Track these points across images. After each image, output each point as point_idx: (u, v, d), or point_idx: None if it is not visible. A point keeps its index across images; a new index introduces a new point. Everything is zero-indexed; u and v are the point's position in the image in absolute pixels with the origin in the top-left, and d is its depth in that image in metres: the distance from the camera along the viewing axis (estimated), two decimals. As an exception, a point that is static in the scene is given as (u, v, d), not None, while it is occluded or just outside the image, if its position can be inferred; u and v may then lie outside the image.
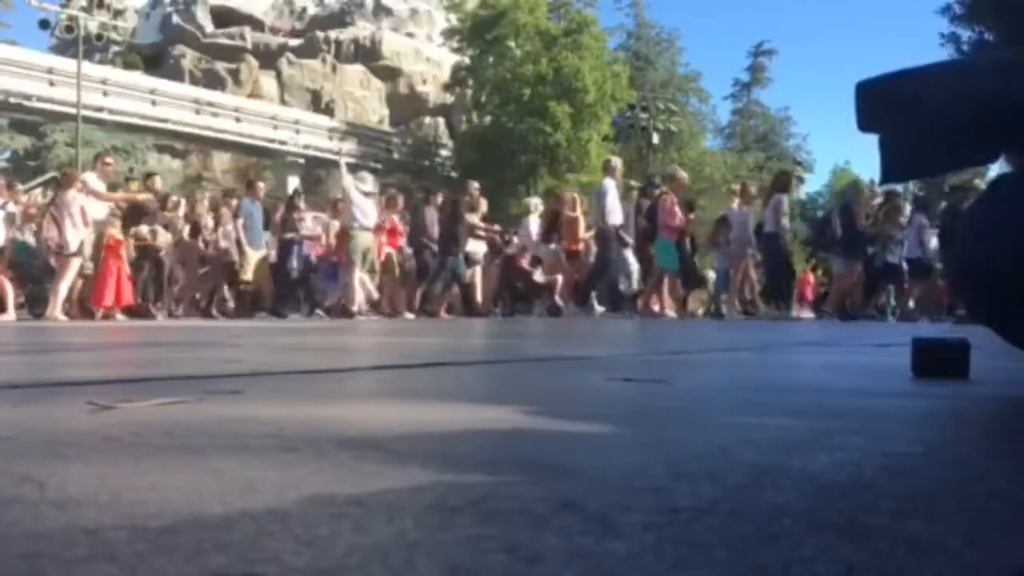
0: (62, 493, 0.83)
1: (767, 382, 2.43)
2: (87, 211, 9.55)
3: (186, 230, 11.69)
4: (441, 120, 40.93)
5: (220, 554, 0.62)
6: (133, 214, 11.05)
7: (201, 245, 11.81)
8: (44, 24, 23.42)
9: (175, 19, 43.33)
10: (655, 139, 34.50)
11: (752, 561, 0.63)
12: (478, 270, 13.06)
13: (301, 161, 33.74)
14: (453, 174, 33.97)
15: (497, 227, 13.73)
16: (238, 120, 32.26)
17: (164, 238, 11.22)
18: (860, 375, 2.76)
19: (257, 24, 44.44)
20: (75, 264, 9.45)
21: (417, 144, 36.91)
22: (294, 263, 12.41)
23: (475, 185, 13.67)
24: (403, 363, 2.87)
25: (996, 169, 2.38)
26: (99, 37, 22.88)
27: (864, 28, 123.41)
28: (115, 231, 10.29)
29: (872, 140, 2.07)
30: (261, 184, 13.40)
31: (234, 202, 12.21)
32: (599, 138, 32.98)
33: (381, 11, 45.58)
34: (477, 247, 12.92)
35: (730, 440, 1.23)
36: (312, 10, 46.00)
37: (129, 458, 1.05)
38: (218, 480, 0.90)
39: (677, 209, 11.69)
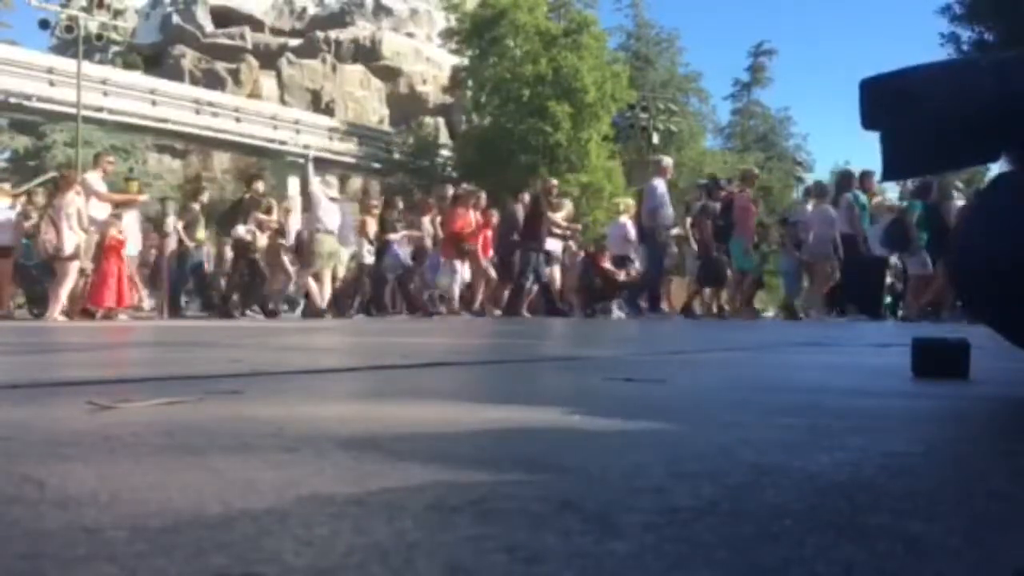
0: (62, 493, 0.83)
1: (767, 382, 2.43)
2: (84, 214, 9.53)
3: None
4: (441, 120, 40.92)
5: (220, 554, 0.62)
6: (231, 216, 11.31)
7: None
8: (44, 24, 23.39)
9: (175, 19, 43.31)
10: (655, 139, 34.48)
11: (752, 561, 0.63)
12: (556, 268, 13.01)
13: (301, 161, 33.71)
14: (453, 174, 33.95)
15: (578, 225, 13.48)
16: (238, 120, 32.22)
17: (262, 241, 11.32)
18: (860, 375, 2.76)
19: (257, 24, 44.42)
20: (74, 267, 9.44)
21: (417, 144, 36.87)
22: (395, 261, 12.52)
23: (554, 181, 13.52)
24: (403, 363, 2.87)
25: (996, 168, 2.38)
26: (99, 37, 22.85)
27: (864, 28, 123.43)
28: (116, 231, 10.31)
29: (873, 139, 2.07)
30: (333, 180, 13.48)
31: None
32: (599, 138, 32.96)
33: (381, 11, 45.57)
34: (555, 245, 12.88)
35: (730, 440, 1.23)
36: (312, 10, 45.98)
37: (129, 458, 1.05)
38: (218, 480, 0.90)
39: (752, 207, 11.51)
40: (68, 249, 9.33)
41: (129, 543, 0.65)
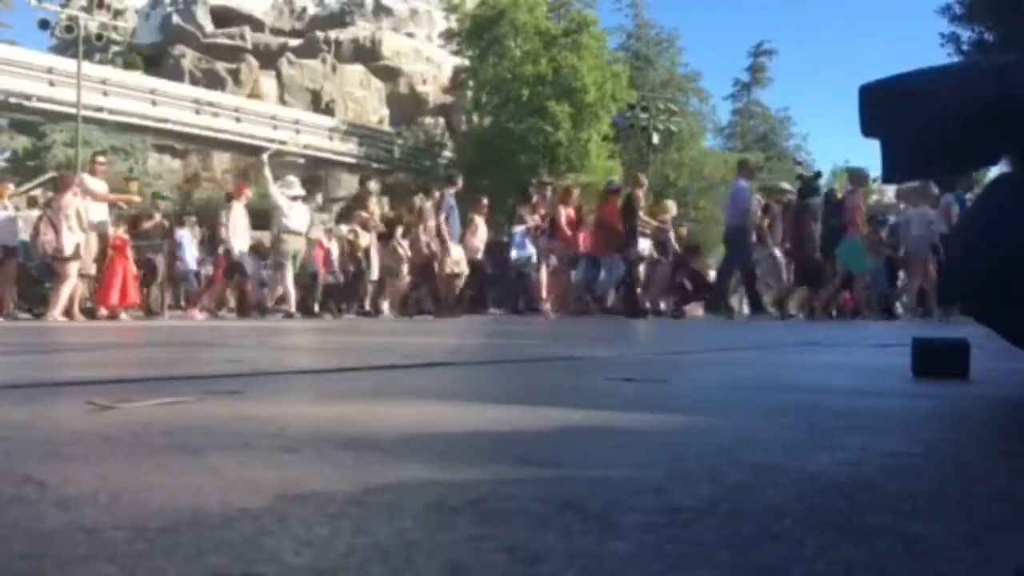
0: (62, 493, 0.83)
1: (767, 382, 2.43)
2: (83, 214, 9.53)
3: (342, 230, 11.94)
4: (441, 120, 40.92)
5: (220, 554, 0.62)
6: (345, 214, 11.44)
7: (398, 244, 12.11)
8: (44, 24, 23.37)
9: (175, 19, 43.29)
10: (655, 139, 34.46)
11: (752, 561, 0.63)
12: (642, 267, 12.92)
13: (301, 161, 33.73)
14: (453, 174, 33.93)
15: (667, 225, 13.26)
16: (238, 120, 32.24)
17: (365, 238, 11.33)
18: (860, 375, 2.76)
19: (257, 24, 44.42)
20: (74, 268, 9.44)
21: (417, 144, 36.89)
22: (517, 256, 12.54)
23: (643, 179, 13.45)
24: (403, 363, 2.87)
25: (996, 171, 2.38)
26: (99, 37, 22.84)
27: (864, 28, 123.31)
28: (121, 231, 10.35)
29: (873, 140, 2.08)
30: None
31: (436, 195, 12.33)
32: (599, 138, 32.96)
33: (381, 11, 45.56)
34: (643, 244, 12.78)
35: (730, 440, 1.23)
36: (312, 10, 45.97)
37: (129, 458, 1.05)
38: (218, 480, 0.90)
39: (863, 207, 11.33)
40: (68, 250, 9.32)
41: (129, 543, 0.65)
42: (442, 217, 12.01)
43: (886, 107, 2.04)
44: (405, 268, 12.37)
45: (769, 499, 0.84)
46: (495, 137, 32.17)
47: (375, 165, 35.75)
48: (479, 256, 13.02)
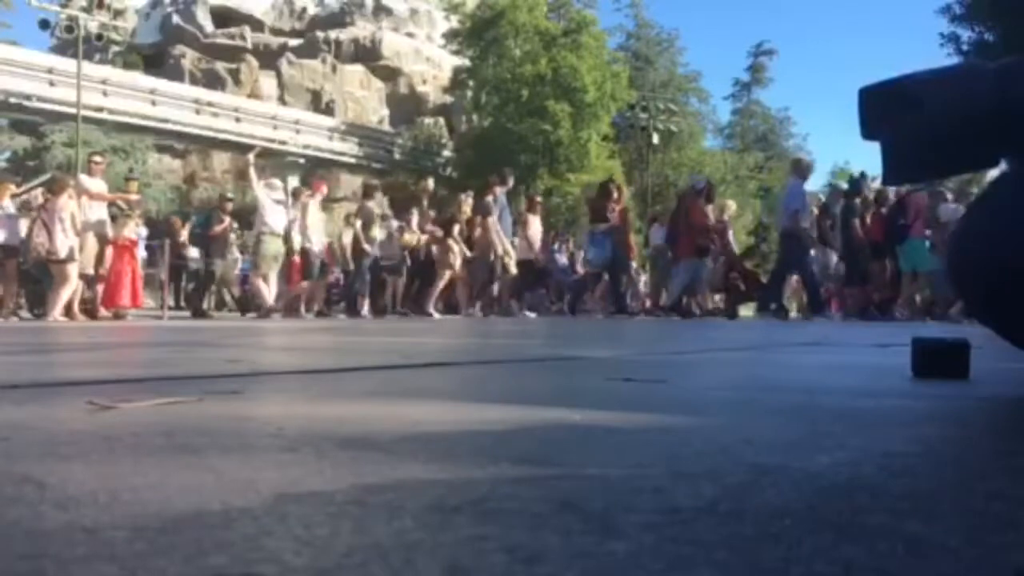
0: (62, 493, 0.83)
1: (767, 382, 2.43)
2: (78, 217, 9.53)
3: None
4: (441, 120, 40.92)
5: (220, 554, 0.62)
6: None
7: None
8: (44, 24, 23.39)
9: (175, 19, 43.31)
10: (655, 139, 34.48)
11: (752, 561, 0.63)
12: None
13: (301, 161, 33.73)
14: (453, 174, 33.95)
15: (721, 225, 13.09)
16: (238, 120, 32.24)
17: (415, 236, 11.44)
18: (860, 375, 2.76)
19: (257, 24, 44.42)
20: (73, 270, 9.44)
21: (417, 144, 36.90)
22: (594, 256, 12.46)
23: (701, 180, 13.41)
24: (403, 363, 2.87)
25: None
26: (99, 37, 22.86)
27: (864, 28, 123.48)
28: (127, 232, 10.36)
29: (872, 142, 2.08)
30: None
31: (496, 192, 12.42)
32: (599, 138, 32.98)
33: (381, 11, 45.57)
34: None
35: (730, 440, 1.23)
36: (312, 10, 45.98)
37: (129, 458, 1.05)
38: (218, 480, 0.90)
39: (926, 206, 11.22)
40: (62, 252, 9.31)
41: (129, 543, 0.65)
42: (495, 215, 11.97)
43: (886, 109, 2.05)
44: (458, 267, 12.37)
45: (769, 499, 0.84)
46: (495, 137, 32.18)
47: (375, 165, 35.75)
48: (533, 255, 12.95)
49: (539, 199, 14.33)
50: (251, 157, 11.95)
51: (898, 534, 0.71)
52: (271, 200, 11.41)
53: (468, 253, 12.51)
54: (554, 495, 0.84)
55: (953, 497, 0.90)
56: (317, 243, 11.86)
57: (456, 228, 12.52)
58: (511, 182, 13.30)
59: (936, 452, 1.21)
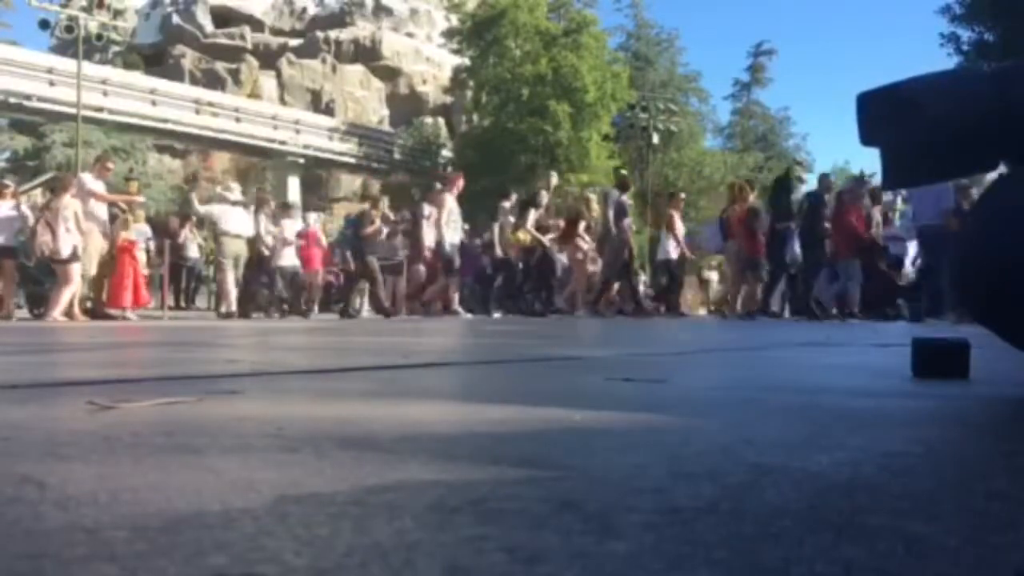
0: (62, 493, 0.83)
1: (767, 382, 2.43)
2: (81, 216, 9.52)
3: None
4: (441, 120, 40.93)
5: (220, 554, 0.62)
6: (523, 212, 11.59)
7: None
8: (44, 24, 23.36)
9: (175, 19, 43.34)
10: (655, 139, 34.45)
11: (752, 561, 0.63)
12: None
13: (301, 161, 33.74)
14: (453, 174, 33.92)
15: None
16: (238, 120, 32.24)
17: (527, 234, 11.47)
18: (860, 375, 2.76)
19: (257, 24, 44.44)
20: (75, 270, 9.43)
21: (417, 144, 36.89)
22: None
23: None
24: (403, 363, 2.87)
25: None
26: (99, 37, 22.82)
27: (864, 28, 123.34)
28: (128, 233, 10.38)
29: (872, 147, 2.08)
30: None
31: (605, 191, 12.40)
32: (599, 138, 32.96)
33: (381, 11, 45.58)
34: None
35: (730, 440, 1.23)
36: (312, 10, 46.00)
37: (129, 458, 1.05)
38: (218, 480, 0.90)
39: None
40: (65, 252, 9.30)
41: (129, 543, 0.65)
42: (611, 214, 11.82)
43: (884, 114, 2.05)
44: (591, 266, 12.28)
45: (769, 499, 0.84)
46: (495, 137, 32.16)
47: (375, 165, 35.75)
48: (677, 254, 12.68)
49: (683, 196, 14.02)
50: (193, 196, 11.98)
51: (898, 534, 0.71)
52: (228, 205, 11.51)
53: (592, 253, 12.32)
54: (554, 495, 0.84)
55: (953, 497, 0.90)
56: (452, 239, 11.82)
57: (583, 226, 12.28)
58: (631, 186, 13.14)
59: (936, 452, 1.21)
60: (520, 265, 12.38)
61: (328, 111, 39.11)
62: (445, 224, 11.75)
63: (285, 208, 13.14)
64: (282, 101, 39.25)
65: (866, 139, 2.08)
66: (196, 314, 13.50)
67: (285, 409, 1.63)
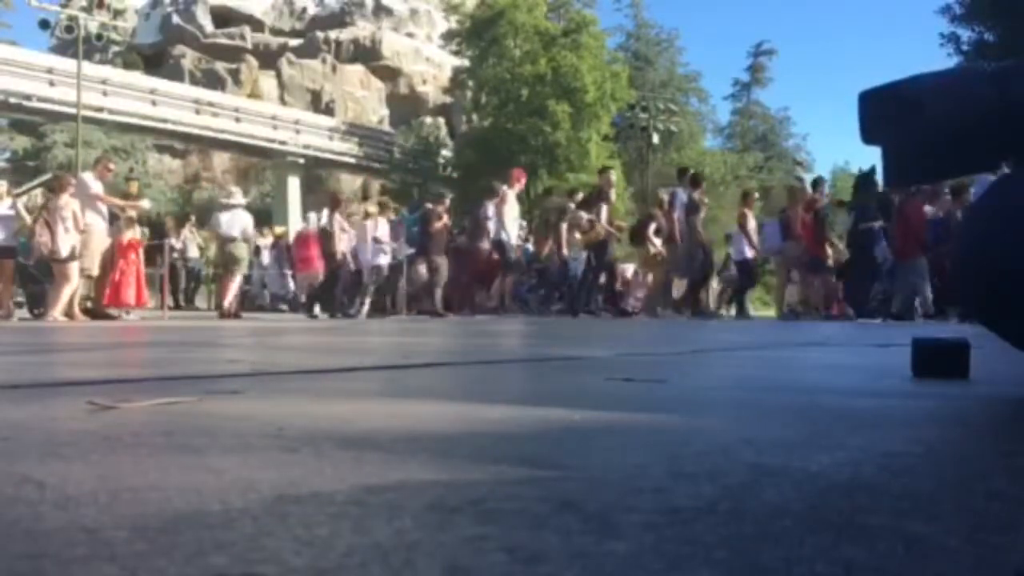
0: (62, 493, 0.83)
1: (767, 382, 2.42)
2: (80, 215, 9.53)
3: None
4: (441, 120, 40.93)
5: (220, 554, 0.62)
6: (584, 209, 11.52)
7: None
8: (44, 24, 23.39)
9: (175, 19, 43.33)
10: (655, 139, 34.48)
11: (752, 561, 0.63)
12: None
13: (301, 161, 33.73)
14: (453, 174, 33.95)
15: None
16: (238, 120, 32.23)
17: (602, 231, 11.50)
18: (860, 375, 2.76)
19: (257, 24, 44.43)
20: (74, 269, 9.43)
21: (417, 144, 36.90)
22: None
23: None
24: (403, 363, 2.87)
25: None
26: (99, 37, 22.84)
27: (864, 28, 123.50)
28: (132, 232, 10.39)
29: (873, 146, 2.08)
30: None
31: (672, 191, 12.31)
32: (599, 138, 32.97)
33: (381, 11, 45.58)
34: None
35: (730, 440, 1.23)
36: (312, 10, 46.00)
37: (129, 458, 1.05)
38: (218, 480, 0.90)
39: None
40: (64, 251, 9.31)
41: (129, 543, 0.65)
42: (675, 215, 11.80)
43: (885, 113, 2.05)
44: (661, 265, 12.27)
45: (769, 499, 0.84)
46: (495, 137, 32.16)
47: (375, 165, 35.74)
48: (753, 253, 12.58)
49: (756, 195, 13.94)
50: (220, 218, 11.96)
51: (898, 534, 0.71)
52: (233, 206, 11.65)
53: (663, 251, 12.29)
54: (554, 495, 0.84)
55: (953, 497, 0.90)
56: (513, 235, 11.84)
57: (653, 226, 12.24)
58: (703, 186, 12.93)
59: (936, 452, 1.21)
60: (590, 263, 12.17)
61: (328, 111, 39.11)
62: (507, 221, 11.69)
63: (383, 208, 13.19)
64: (282, 101, 39.24)
65: (867, 138, 2.08)
66: (196, 314, 13.50)
67: (285, 409, 1.63)
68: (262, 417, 1.44)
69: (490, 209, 12.02)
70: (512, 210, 11.90)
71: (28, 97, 26.90)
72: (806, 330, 7.61)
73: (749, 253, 12.46)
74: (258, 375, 2.46)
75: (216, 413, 1.50)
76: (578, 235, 12.04)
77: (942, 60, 25.36)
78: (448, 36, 37.93)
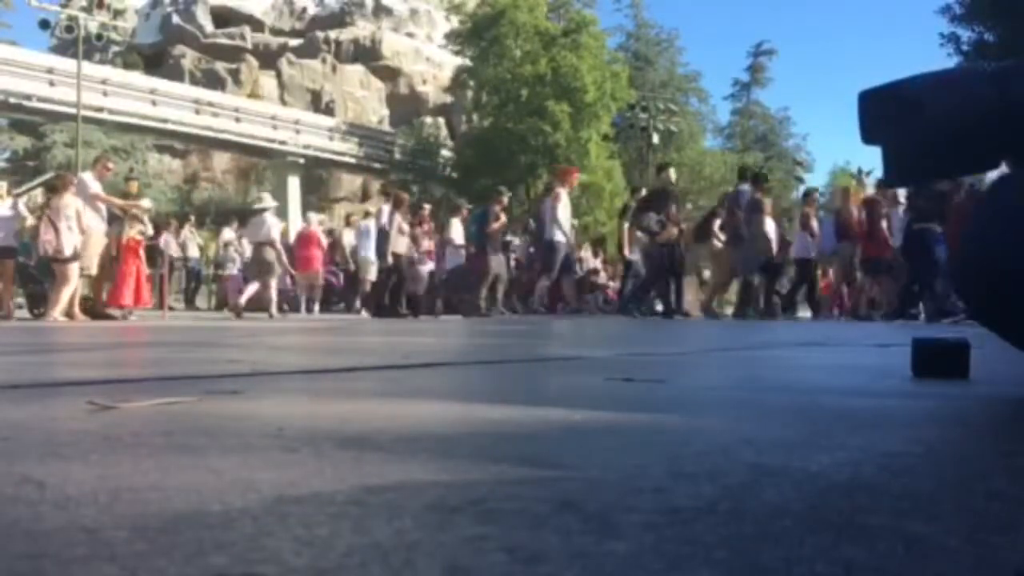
0: (62, 493, 0.83)
1: (767, 382, 2.43)
2: (82, 214, 9.53)
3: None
4: (441, 120, 40.93)
5: (220, 554, 0.62)
6: (643, 207, 11.48)
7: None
8: (44, 24, 23.37)
9: (175, 19, 43.32)
10: (655, 139, 34.47)
11: (752, 561, 0.63)
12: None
13: (301, 161, 33.73)
14: (453, 174, 33.95)
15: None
16: (238, 120, 32.21)
17: (672, 232, 11.46)
18: (860, 375, 2.76)
19: (257, 24, 44.43)
20: (74, 269, 9.43)
21: (417, 144, 36.89)
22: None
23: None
24: (403, 363, 2.87)
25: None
26: (99, 37, 22.83)
27: (864, 28, 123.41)
28: (133, 232, 10.39)
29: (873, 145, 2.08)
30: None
31: (737, 190, 12.26)
32: (599, 138, 32.96)
33: (381, 11, 45.58)
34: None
35: (730, 440, 1.23)
36: (312, 10, 45.99)
37: (129, 458, 1.05)
38: (218, 480, 0.90)
39: None
40: (68, 250, 9.31)
41: (129, 543, 0.65)
42: (739, 214, 11.69)
43: (886, 113, 2.05)
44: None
45: (769, 499, 0.84)
46: (495, 137, 32.14)
47: (375, 165, 35.74)
48: (815, 252, 12.47)
49: (818, 196, 13.89)
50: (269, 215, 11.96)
51: (898, 534, 0.71)
52: (264, 211, 11.88)
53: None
54: (554, 495, 0.84)
55: (953, 497, 0.90)
56: (563, 236, 11.81)
57: (718, 222, 12.16)
58: (765, 186, 12.78)
59: (936, 452, 1.21)
60: (655, 262, 11.98)
61: (328, 111, 39.11)
62: (560, 222, 11.66)
63: (457, 210, 13.25)
64: (282, 101, 39.24)
65: (867, 137, 2.08)
66: (197, 314, 13.49)
67: (285, 409, 1.63)
68: (262, 417, 1.44)
69: (547, 207, 11.98)
70: (565, 210, 11.85)
71: (28, 97, 26.88)
72: (807, 330, 7.61)
73: (813, 252, 12.38)
74: (258, 375, 2.46)
75: (216, 413, 1.50)
76: (639, 234, 11.99)
77: (942, 60, 25.35)
78: (449, 37, 37.92)
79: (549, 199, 12.23)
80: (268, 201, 12.26)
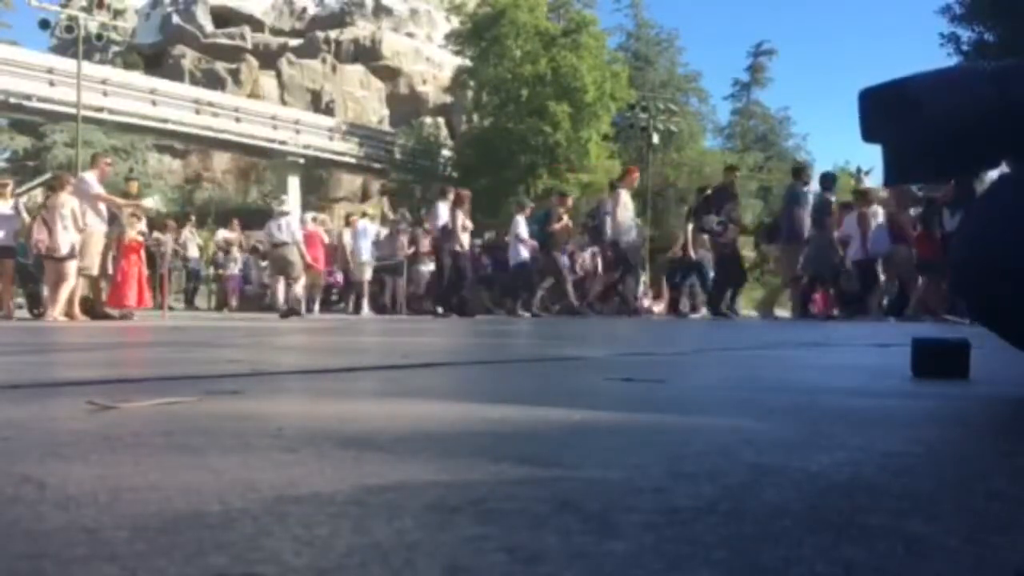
0: (62, 493, 0.83)
1: (767, 382, 2.42)
2: (79, 214, 9.52)
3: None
4: (441, 120, 40.93)
5: (220, 554, 0.62)
6: (704, 207, 11.46)
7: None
8: (44, 24, 23.36)
9: (175, 19, 43.32)
10: (655, 139, 34.44)
11: (752, 561, 0.63)
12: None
13: (301, 161, 33.73)
14: (453, 174, 33.95)
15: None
16: (238, 120, 32.22)
17: (731, 234, 11.51)
18: (860, 375, 2.76)
19: (257, 24, 44.42)
20: (72, 268, 9.43)
21: (417, 144, 36.90)
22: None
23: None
24: (403, 363, 2.87)
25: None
26: (99, 37, 22.82)
27: (864, 28, 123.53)
28: (134, 232, 10.41)
29: (873, 145, 2.08)
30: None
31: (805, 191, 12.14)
32: (599, 138, 32.98)
33: (381, 11, 45.57)
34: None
35: (730, 440, 1.23)
36: (312, 10, 45.99)
37: (129, 458, 1.05)
38: (218, 480, 0.90)
39: None
40: (64, 249, 9.30)
41: (129, 543, 0.65)
42: (805, 215, 11.55)
43: (886, 112, 2.05)
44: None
45: (769, 499, 0.84)
46: (495, 137, 32.17)
47: (375, 165, 35.75)
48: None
49: (884, 194, 13.85)
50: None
51: (898, 534, 0.71)
52: (284, 213, 12.22)
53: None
54: (554, 495, 0.84)
55: (953, 497, 0.90)
56: (628, 236, 11.80)
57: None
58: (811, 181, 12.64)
59: (936, 452, 1.21)
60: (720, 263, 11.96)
61: (328, 111, 39.10)
62: (623, 222, 11.65)
63: (521, 207, 13.28)
64: (282, 101, 39.23)
65: (867, 136, 2.08)
66: (196, 314, 13.50)
67: (285, 409, 1.63)
68: (262, 417, 1.44)
69: (608, 207, 11.95)
70: (627, 210, 11.83)
71: (28, 97, 26.89)
72: (806, 330, 7.61)
73: (868, 254, 12.17)
74: (258, 375, 2.46)
75: (216, 413, 1.50)
76: (703, 235, 11.94)
77: (942, 60, 25.35)
78: (450, 36, 37.92)
79: (610, 199, 12.21)
80: (288, 204, 12.58)
